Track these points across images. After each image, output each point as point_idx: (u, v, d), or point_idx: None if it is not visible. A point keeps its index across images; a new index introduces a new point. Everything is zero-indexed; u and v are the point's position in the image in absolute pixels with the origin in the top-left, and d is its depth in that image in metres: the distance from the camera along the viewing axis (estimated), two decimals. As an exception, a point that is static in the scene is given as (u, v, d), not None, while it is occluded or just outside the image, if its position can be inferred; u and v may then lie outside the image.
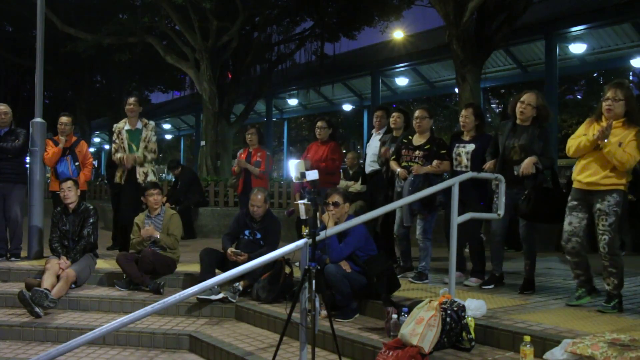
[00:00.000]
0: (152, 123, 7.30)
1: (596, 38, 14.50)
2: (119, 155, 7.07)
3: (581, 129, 4.52)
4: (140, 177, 6.99)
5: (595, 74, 22.65)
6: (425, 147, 5.72)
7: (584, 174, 4.40)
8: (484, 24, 10.72)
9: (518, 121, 5.12)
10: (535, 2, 13.87)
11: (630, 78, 23.96)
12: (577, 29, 13.83)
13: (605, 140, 4.19)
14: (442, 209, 5.65)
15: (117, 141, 7.15)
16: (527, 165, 4.88)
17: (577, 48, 14.41)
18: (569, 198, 4.58)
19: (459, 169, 5.54)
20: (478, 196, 5.44)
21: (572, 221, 4.48)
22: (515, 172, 4.95)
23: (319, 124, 7.16)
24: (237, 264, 5.22)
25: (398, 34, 19.02)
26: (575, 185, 4.52)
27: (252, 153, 7.43)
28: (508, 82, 18.32)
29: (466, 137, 5.65)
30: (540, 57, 15.35)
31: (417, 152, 5.73)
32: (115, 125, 7.27)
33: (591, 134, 4.34)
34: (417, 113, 5.84)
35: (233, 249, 5.80)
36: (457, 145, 5.64)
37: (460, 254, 5.42)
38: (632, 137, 4.22)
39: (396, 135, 6.34)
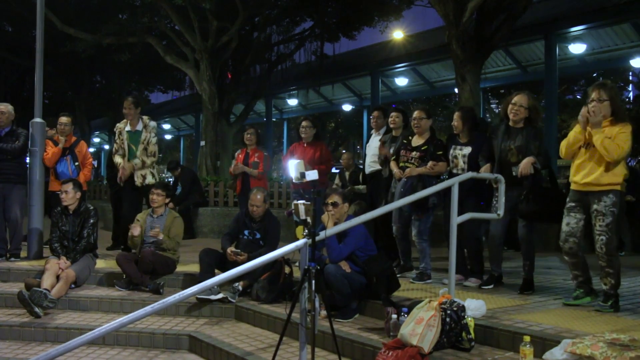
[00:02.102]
0: (152, 124, 7.21)
1: (596, 38, 14.49)
2: (117, 160, 7.09)
3: (572, 133, 4.55)
4: (138, 180, 7.00)
5: (595, 74, 22.62)
6: (422, 148, 5.72)
7: (580, 175, 4.44)
8: (484, 24, 10.72)
9: (511, 123, 5.15)
10: (535, 2, 13.87)
11: (630, 78, 23.98)
12: (576, 29, 13.82)
13: (595, 120, 4.24)
14: (434, 211, 5.68)
15: (117, 141, 7.15)
16: (525, 165, 4.89)
17: (577, 48, 14.39)
18: (567, 199, 4.60)
19: (455, 171, 5.53)
20: (476, 197, 5.44)
21: (570, 222, 4.52)
22: (514, 173, 4.95)
23: (304, 123, 7.06)
24: (236, 264, 5.22)
25: (398, 34, 19.01)
26: (572, 186, 4.55)
27: (250, 154, 7.43)
28: (508, 82, 18.29)
29: (463, 140, 5.61)
30: (540, 57, 15.33)
31: (414, 153, 5.74)
32: (117, 125, 7.27)
33: (579, 131, 4.40)
34: (415, 114, 5.84)
35: (233, 249, 5.80)
36: (453, 146, 5.61)
37: (460, 255, 5.40)
38: (619, 131, 4.27)
39: (395, 135, 6.33)
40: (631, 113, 23.22)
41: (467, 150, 5.50)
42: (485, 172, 5.18)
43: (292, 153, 7.02)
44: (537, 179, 4.95)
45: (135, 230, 6.21)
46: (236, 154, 7.74)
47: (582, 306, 4.55)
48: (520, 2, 10.52)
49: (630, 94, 25.40)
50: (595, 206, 4.36)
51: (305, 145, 6.97)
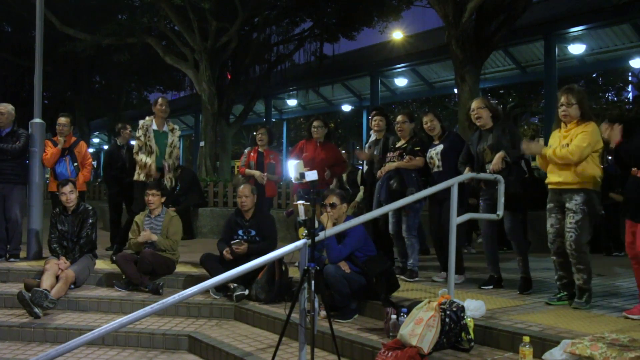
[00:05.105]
0: (177, 128, 7.24)
1: (595, 39, 14.50)
2: (143, 159, 6.85)
3: (550, 140, 4.75)
4: (168, 184, 7.00)
5: (594, 75, 22.65)
6: (402, 146, 5.95)
7: (552, 176, 4.63)
8: (483, 25, 10.73)
9: (481, 127, 5.31)
10: (535, 3, 13.87)
11: (630, 79, 23.99)
12: (576, 30, 13.84)
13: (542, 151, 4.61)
14: (421, 206, 5.89)
15: (142, 138, 6.92)
16: (496, 161, 5.01)
17: (576, 49, 14.40)
18: (547, 200, 4.74)
19: (434, 169, 5.73)
20: (459, 197, 5.50)
21: (553, 223, 4.67)
22: (488, 170, 5.07)
23: (316, 123, 7.03)
24: (234, 265, 5.20)
25: (397, 35, 19.03)
26: (549, 187, 4.71)
27: (264, 154, 7.17)
28: (507, 83, 18.33)
29: (436, 141, 5.84)
30: (540, 58, 15.35)
31: (395, 153, 5.96)
32: (141, 122, 7.03)
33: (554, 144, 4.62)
34: (398, 118, 6.09)
35: (230, 247, 5.79)
36: (429, 150, 5.82)
37: (443, 254, 5.47)
38: (581, 130, 4.45)
39: (378, 138, 6.48)
40: (631, 113, 23.24)
41: (440, 147, 5.71)
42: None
43: (302, 150, 6.97)
44: (515, 172, 5.03)
45: (150, 236, 6.23)
46: (246, 151, 7.41)
47: (582, 307, 4.55)
48: (519, 2, 10.54)
49: (630, 95, 25.42)
50: (567, 204, 4.51)
51: (318, 144, 6.94)
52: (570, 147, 4.42)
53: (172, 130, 7.12)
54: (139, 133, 6.99)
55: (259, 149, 7.24)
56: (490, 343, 4.06)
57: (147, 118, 7.08)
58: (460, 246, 5.76)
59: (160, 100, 7.14)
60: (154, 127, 7.03)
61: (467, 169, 5.35)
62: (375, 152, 6.38)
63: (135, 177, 7.00)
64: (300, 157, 6.54)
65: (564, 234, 4.56)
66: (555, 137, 4.65)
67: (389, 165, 5.86)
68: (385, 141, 6.33)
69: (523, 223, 5.75)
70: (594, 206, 4.51)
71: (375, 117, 6.55)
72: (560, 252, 4.62)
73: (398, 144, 6.05)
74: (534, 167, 6.93)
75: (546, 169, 4.74)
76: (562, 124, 4.62)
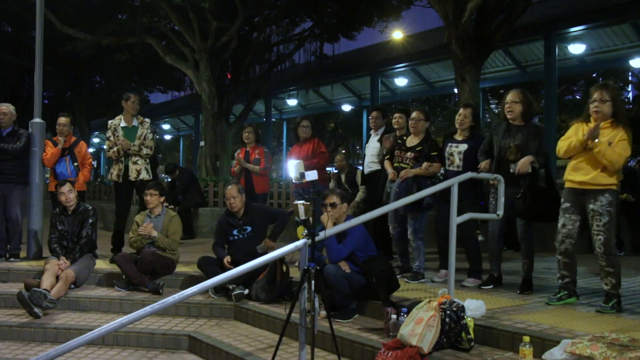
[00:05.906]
0: (147, 121, 7.21)
1: (595, 38, 14.50)
2: (114, 149, 6.93)
3: (570, 131, 4.59)
4: (132, 175, 6.91)
5: (594, 75, 22.65)
6: (417, 149, 5.75)
7: (576, 174, 4.46)
8: (483, 25, 10.72)
9: (511, 121, 5.16)
10: (535, 3, 13.87)
11: (630, 78, 23.99)
12: (576, 30, 13.83)
13: (596, 141, 4.26)
14: (428, 210, 5.70)
15: (111, 138, 7.01)
16: (524, 163, 4.89)
17: (576, 48, 14.40)
18: (562, 199, 4.62)
19: (451, 168, 5.57)
20: (473, 196, 5.45)
21: (566, 223, 4.54)
22: (512, 170, 4.96)
23: (304, 122, 7.14)
24: (234, 266, 5.20)
25: (397, 35, 19.03)
26: (567, 185, 4.57)
27: (250, 152, 7.45)
28: (507, 83, 18.27)
29: (459, 137, 5.66)
30: (540, 58, 15.34)
31: (408, 154, 5.77)
32: (110, 122, 7.13)
33: (581, 135, 4.41)
34: (414, 114, 5.87)
35: (260, 251, 5.81)
36: (449, 144, 5.65)
37: (445, 253, 5.44)
38: (621, 137, 4.30)
39: (400, 135, 6.35)
40: (631, 113, 23.24)
41: (464, 147, 5.55)
42: (484, 168, 5.19)
43: (291, 155, 7.10)
44: (535, 178, 4.95)
45: (152, 231, 6.22)
46: (236, 154, 7.73)
47: (581, 306, 4.56)
48: (519, 2, 10.53)
49: (630, 94, 25.42)
50: (591, 206, 4.37)
51: (301, 143, 7.07)
52: (617, 155, 4.25)
53: (141, 123, 7.11)
54: (108, 133, 7.08)
55: (247, 148, 7.49)
56: (490, 343, 4.06)
57: (116, 118, 7.15)
58: (478, 247, 5.68)
59: (132, 97, 7.15)
60: (123, 124, 7.06)
61: (487, 161, 5.22)
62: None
63: (112, 177, 7.06)
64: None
65: (574, 235, 4.49)
66: (579, 131, 4.46)
67: (406, 172, 5.64)
68: (399, 139, 6.14)
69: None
70: (618, 207, 4.41)
71: (395, 115, 6.37)
72: (568, 253, 4.54)
73: (409, 143, 5.85)
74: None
75: (565, 156, 4.55)
76: (592, 120, 4.44)
